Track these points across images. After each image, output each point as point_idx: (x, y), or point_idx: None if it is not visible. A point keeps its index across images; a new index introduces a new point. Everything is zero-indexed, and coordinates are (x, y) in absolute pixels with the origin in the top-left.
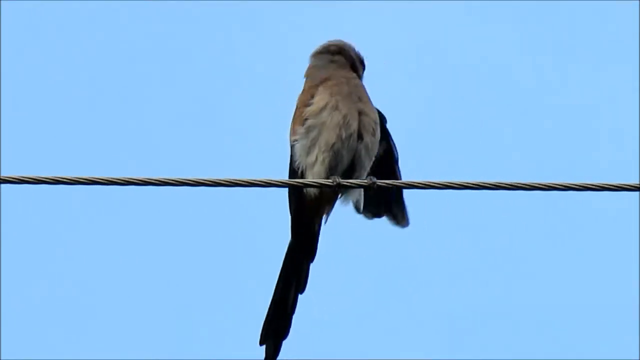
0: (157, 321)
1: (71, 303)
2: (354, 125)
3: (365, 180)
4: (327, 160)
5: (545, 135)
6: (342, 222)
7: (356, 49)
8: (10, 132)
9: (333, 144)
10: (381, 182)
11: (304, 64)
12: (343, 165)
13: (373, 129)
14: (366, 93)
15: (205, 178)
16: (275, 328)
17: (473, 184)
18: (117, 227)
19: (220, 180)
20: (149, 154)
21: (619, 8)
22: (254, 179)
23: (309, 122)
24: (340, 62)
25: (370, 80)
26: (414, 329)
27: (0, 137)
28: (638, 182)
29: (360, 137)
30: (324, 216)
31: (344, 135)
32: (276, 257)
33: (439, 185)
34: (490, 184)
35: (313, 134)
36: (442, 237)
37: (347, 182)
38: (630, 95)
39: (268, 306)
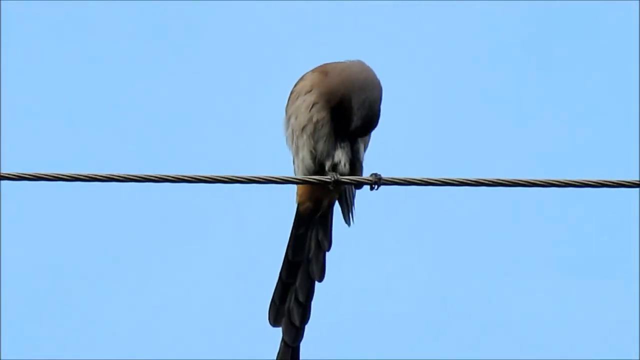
0: (158, 320)
1: (71, 301)
2: (323, 114)
3: (370, 178)
4: (305, 144)
5: (545, 131)
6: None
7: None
8: (9, 129)
9: (304, 127)
10: (386, 178)
11: (307, 62)
12: (326, 147)
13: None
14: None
15: (204, 175)
16: (289, 310)
17: (472, 181)
18: (116, 224)
19: (219, 177)
20: (147, 151)
21: (619, 8)
22: (253, 175)
23: (289, 108)
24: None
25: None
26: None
27: (0, 134)
28: (638, 179)
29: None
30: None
31: (315, 118)
32: (274, 257)
33: (438, 182)
34: (489, 181)
35: (292, 120)
36: (442, 236)
37: (347, 179)
38: (631, 92)
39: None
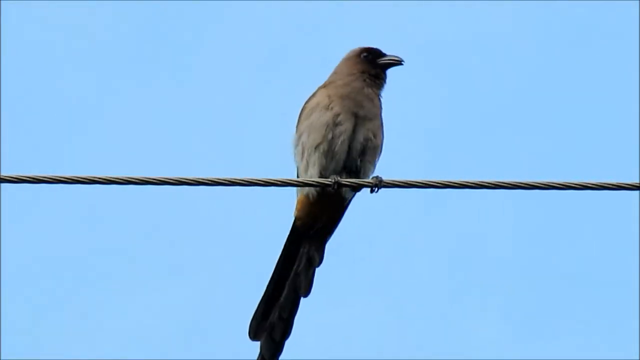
0: (157, 319)
1: (71, 300)
2: (347, 126)
3: (370, 180)
4: (317, 163)
5: (545, 133)
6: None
7: (363, 51)
8: (10, 131)
9: (318, 145)
10: (387, 180)
11: (307, 61)
12: (337, 166)
13: (374, 133)
14: (372, 99)
15: (205, 177)
16: (271, 325)
17: (473, 183)
18: (117, 225)
19: (220, 179)
20: (147, 151)
21: (619, 8)
22: (253, 178)
23: (301, 126)
24: (349, 67)
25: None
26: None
27: (0, 136)
28: (638, 182)
29: (355, 138)
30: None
31: (330, 136)
32: (273, 258)
33: (439, 184)
34: (490, 183)
35: (303, 138)
36: (441, 236)
37: (348, 182)
38: (631, 92)
39: (260, 300)
